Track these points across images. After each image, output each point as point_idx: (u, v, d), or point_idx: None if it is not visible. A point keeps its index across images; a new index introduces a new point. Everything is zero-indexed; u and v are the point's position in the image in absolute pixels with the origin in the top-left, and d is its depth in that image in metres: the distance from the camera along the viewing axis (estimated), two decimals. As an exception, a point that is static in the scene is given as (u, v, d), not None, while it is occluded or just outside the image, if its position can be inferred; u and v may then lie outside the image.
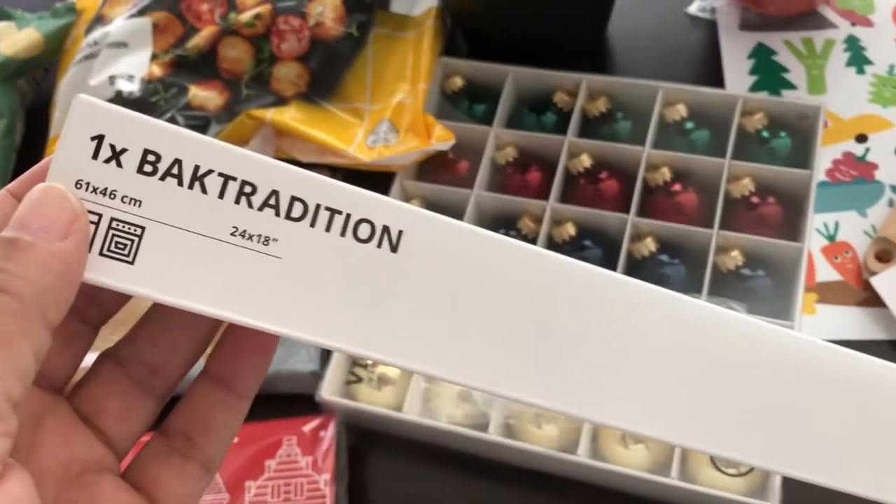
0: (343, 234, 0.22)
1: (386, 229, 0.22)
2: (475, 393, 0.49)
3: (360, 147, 0.56)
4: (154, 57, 0.60)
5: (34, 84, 0.66)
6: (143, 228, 0.21)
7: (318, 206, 0.21)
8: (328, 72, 0.58)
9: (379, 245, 0.22)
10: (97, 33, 0.61)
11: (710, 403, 0.22)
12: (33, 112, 0.65)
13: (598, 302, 0.22)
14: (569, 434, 0.47)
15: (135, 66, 0.60)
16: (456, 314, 0.22)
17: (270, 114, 0.57)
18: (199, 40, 0.59)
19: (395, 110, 0.57)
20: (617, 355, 0.22)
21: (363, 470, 0.50)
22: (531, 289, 0.22)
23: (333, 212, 0.22)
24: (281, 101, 0.58)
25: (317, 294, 0.21)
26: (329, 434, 0.49)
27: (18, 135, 0.63)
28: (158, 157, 0.21)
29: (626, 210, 0.51)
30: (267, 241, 0.21)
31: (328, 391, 0.49)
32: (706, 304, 0.22)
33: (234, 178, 0.21)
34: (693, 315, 0.22)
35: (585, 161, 0.54)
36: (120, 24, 0.61)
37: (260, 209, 0.21)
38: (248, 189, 0.21)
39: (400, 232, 0.22)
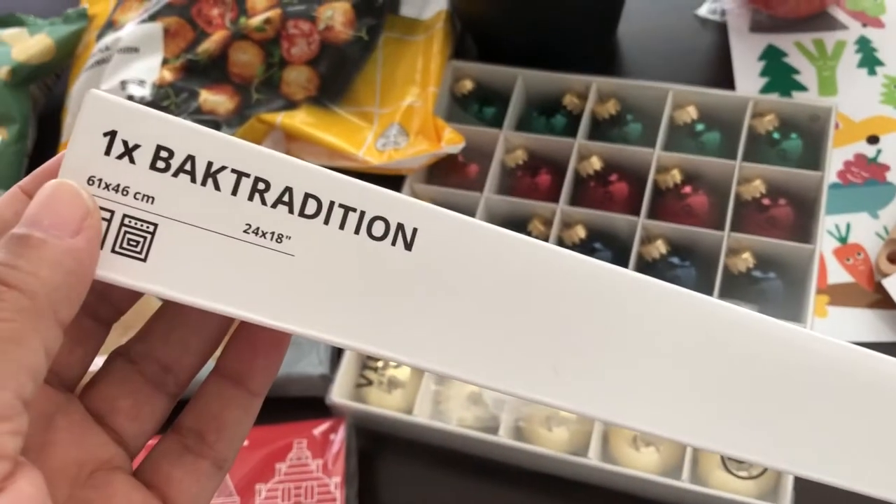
0: (357, 231, 0.21)
1: (400, 227, 0.21)
2: (485, 395, 0.49)
3: (369, 150, 0.55)
4: (165, 62, 0.60)
5: (46, 90, 0.66)
6: (155, 225, 0.20)
7: (332, 204, 0.21)
8: (338, 75, 0.58)
9: (393, 243, 0.21)
10: (108, 39, 0.61)
11: (724, 403, 0.22)
12: (45, 117, 0.65)
13: (613, 300, 0.22)
14: (579, 437, 0.47)
15: (146, 71, 0.60)
16: (471, 313, 0.21)
17: (280, 118, 0.56)
18: (209, 45, 0.59)
19: (404, 114, 0.56)
20: (631, 354, 0.22)
21: (373, 473, 0.50)
22: (547, 286, 0.22)
23: (347, 209, 0.21)
24: (291, 105, 0.58)
25: (330, 292, 0.21)
26: (339, 437, 0.49)
27: (30, 140, 0.63)
28: (171, 154, 0.21)
29: (637, 212, 0.51)
30: (280, 238, 0.21)
31: (338, 394, 0.49)
32: (721, 302, 0.22)
33: (248, 175, 0.21)
34: (708, 312, 0.22)
35: (595, 163, 0.53)
36: (131, 29, 0.61)
37: (273, 206, 0.21)
38: (261, 186, 0.21)
39: (415, 230, 0.21)
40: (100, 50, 0.61)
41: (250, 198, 0.21)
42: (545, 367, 0.21)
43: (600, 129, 0.55)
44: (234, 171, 0.21)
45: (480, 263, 0.21)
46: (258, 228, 0.21)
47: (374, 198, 0.21)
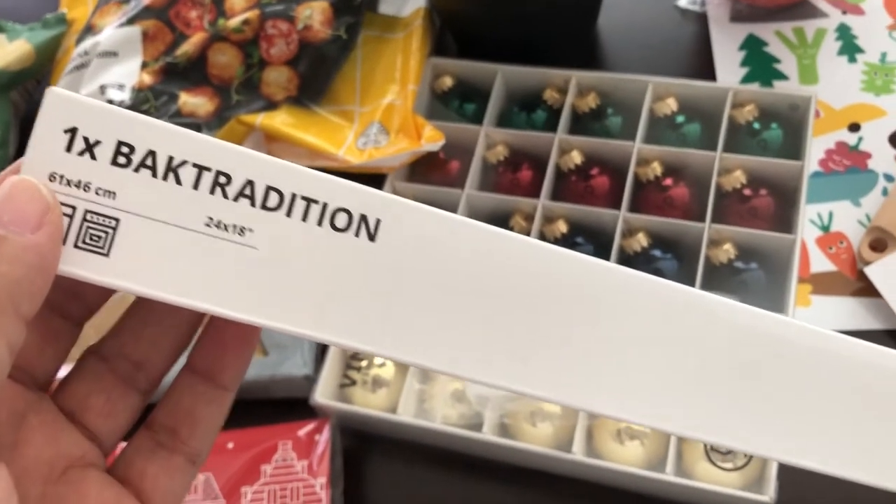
0: (320, 223, 0.22)
1: (363, 218, 0.22)
2: (469, 393, 0.49)
3: (350, 150, 0.56)
4: (144, 65, 0.60)
5: (27, 96, 0.66)
6: (117, 220, 0.21)
7: (293, 196, 0.22)
8: (318, 75, 0.58)
9: (357, 234, 0.22)
10: (87, 43, 0.62)
11: (700, 389, 0.22)
12: (27, 124, 0.65)
13: (584, 289, 0.22)
14: (564, 432, 0.47)
15: (125, 75, 0.60)
16: (437, 302, 0.22)
17: (260, 119, 0.57)
18: (188, 47, 0.59)
19: (385, 112, 0.57)
20: (605, 342, 0.22)
21: (359, 473, 0.50)
22: (513, 275, 0.22)
23: (310, 201, 0.22)
24: (271, 106, 0.58)
25: (294, 284, 0.21)
26: (324, 438, 0.49)
27: (12, 147, 0.63)
28: (132, 149, 0.21)
29: (618, 206, 0.51)
30: (243, 231, 0.21)
31: (322, 395, 0.49)
32: (698, 291, 0.22)
33: (209, 169, 0.21)
34: (685, 300, 0.22)
35: (576, 158, 0.54)
36: (109, 33, 0.61)
37: (235, 199, 0.21)
38: (222, 179, 0.21)
39: (378, 220, 0.22)
40: (79, 55, 0.62)
41: (212, 191, 0.21)
42: (512, 354, 0.22)
43: (581, 123, 0.56)
44: (195, 165, 0.21)
45: (446, 253, 0.22)
46: (220, 222, 0.21)
47: (337, 189, 0.22)
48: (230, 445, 0.50)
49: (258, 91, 0.59)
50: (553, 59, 0.57)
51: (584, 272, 0.22)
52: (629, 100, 0.55)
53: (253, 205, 0.21)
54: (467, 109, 0.58)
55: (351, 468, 0.50)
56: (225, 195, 0.21)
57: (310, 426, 0.50)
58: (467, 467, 0.49)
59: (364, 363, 0.51)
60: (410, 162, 0.56)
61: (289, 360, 0.52)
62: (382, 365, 0.51)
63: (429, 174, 0.57)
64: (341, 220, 0.22)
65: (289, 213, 0.22)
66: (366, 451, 0.51)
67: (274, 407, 0.51)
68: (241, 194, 0.21)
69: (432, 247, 0.22)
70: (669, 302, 0.22)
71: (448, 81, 0.59)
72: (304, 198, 0.22)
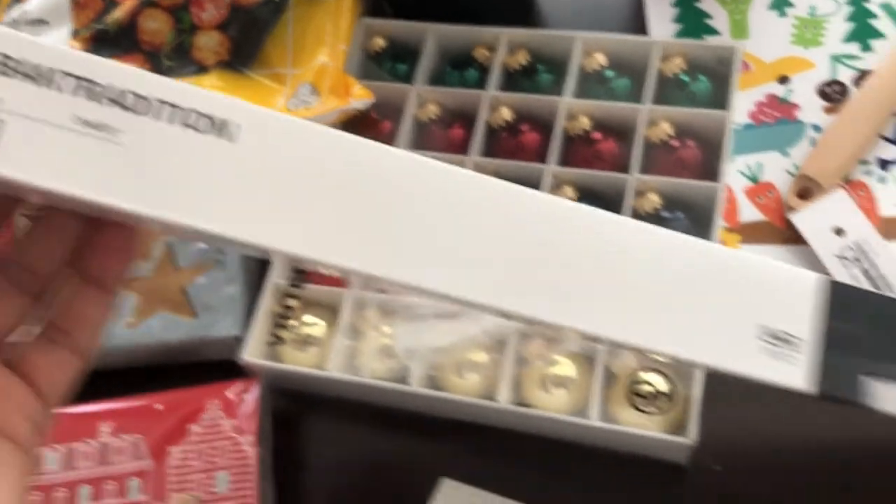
0: (184, 126, 0.27)
1: (224, 122, 0.28)
2: (398, 348, 0.55)
3: (281, 111, 0.61)
4: (75, 33, 0.66)
5: (-43, 69, 0.72)
6: (3, 122, 0.27)
7: (161, 102, 0.27)
8: (249, 38, 0.64)
9: (218, 136, 0.28)
10: (15, 12, 0.67)
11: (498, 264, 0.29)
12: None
13: (426, 186, 0.28)
14: (490, 382, 0.53)
15: (55, 43, 0.66)
16: (286, 194, 0.28)
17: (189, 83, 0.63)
18: (118, 14, 0.65)
19: (316, 74, 0.62)
20: (428, 228, 0.29)
21: (291, 431, 0.56)
22: (356, 174, 0.29)
23: (175, 107, 0.27)
24: (202, 70, 0.64)
25: (160, 176, 0.27)
26: (252, 396, 0.54)
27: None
28: (16, 61, 0.27)
29: (548, 161, 0.57)
30: (113, 131, 0.27)
31: (251, 354, 0.54)
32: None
33: (84, 78, 0.27)
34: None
35: (506, 114, 0.59)
36: (38, 1, 0.67)
37: (106, 104, 0.27)
38: (95, 87, 0.27)
39: (237, 125, 0.28)
40: (7, 24, 0.67)
41: (87, 97, 0.27)
42: (358, 239, 0.28)
43: (513, 81, 0.61)
44: (71, 75, 0.27)
45: (298, 154, 0.28)
46: (94, 123, 0.27)
47: (200, 97, 0.28)
48: (159, 407, 0.55)
49: (189, 56, 0.64)
50: (490, 18, 0.63)
51: (415, 170, 0.29)
52: (560, 56, 0.61)
53: (124, 109, 0.27)
54: (400, 70, 0.64)
55: (282, 427, 0.55)
56: (99, 101, 0.27)
57: (238, 386, 0.55)
58: (397, 422, 0.55)
59: (294, 322, 0.56)
60: (341, 121, 0.61)
61: (219, 322, 0.57)
62: (313, 325, 0.57)
63: (361, 135, 0.61)
64: (203, 124, 0.28)
65: (155, 117, 0.27)
66: (297, 409, 0.56)
67: (205, 369, 0.57)
68: (111, 100, 0.27)
69: (286, 149, 0.28)
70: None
71: (380, 42, 0.64)
72: (171, 105, 0.27)
